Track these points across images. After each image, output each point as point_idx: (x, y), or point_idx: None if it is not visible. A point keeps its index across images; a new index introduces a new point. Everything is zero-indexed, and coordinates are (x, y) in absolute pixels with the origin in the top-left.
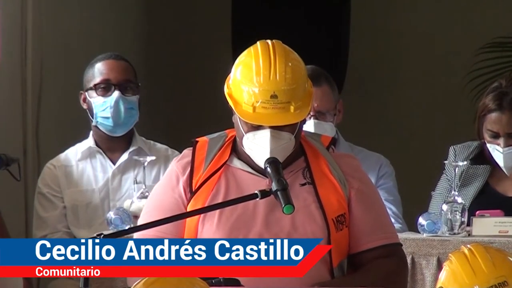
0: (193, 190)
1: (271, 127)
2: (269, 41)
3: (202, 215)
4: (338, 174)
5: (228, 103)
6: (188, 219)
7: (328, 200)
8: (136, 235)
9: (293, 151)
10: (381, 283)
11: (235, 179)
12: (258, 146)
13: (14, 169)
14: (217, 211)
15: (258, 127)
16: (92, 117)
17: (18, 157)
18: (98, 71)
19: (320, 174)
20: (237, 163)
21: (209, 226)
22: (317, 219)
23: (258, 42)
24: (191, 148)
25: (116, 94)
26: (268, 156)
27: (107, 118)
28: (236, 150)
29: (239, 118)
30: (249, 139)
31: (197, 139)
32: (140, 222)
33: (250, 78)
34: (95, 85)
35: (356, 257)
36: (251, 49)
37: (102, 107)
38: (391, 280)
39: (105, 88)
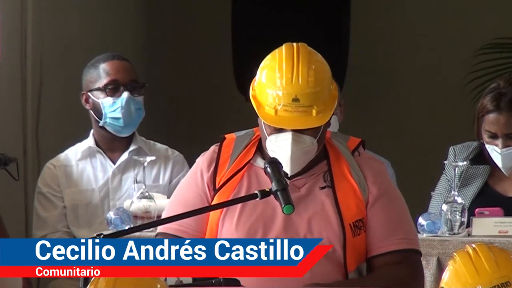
0: (217, 187)
1: (293, 130)
2: (294, 44)
3: (223, 213)
4: (359, 178)
5: (251, 105)
6: (211, 216)
7: (346, 204)
8: (159, 228)
9: (316, 155)
10: None
11: (257, 179)
12: (280, 149)
13: (12, 169)
14: (237, 210)
15: (280, 130)
16: (99, 118)
17: (16, 156)
18: (104, 71)
19: (340, 177)
20: (260, 162)
21: (228, 225)
22: (333, 224)
23: (284, 45)
24: (218, 144)
25: (125, 94)
26: (289, 158)
27: (118, 118)
28: (261, 149)
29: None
30: (271, 141)
31: (225, 136)
32: (164, 215)
33: (274, 81)
34: (104, 85)
35: (367, 262)
36: (276, 51)
37: (112, 107)
38: None
39: (113, 88)
